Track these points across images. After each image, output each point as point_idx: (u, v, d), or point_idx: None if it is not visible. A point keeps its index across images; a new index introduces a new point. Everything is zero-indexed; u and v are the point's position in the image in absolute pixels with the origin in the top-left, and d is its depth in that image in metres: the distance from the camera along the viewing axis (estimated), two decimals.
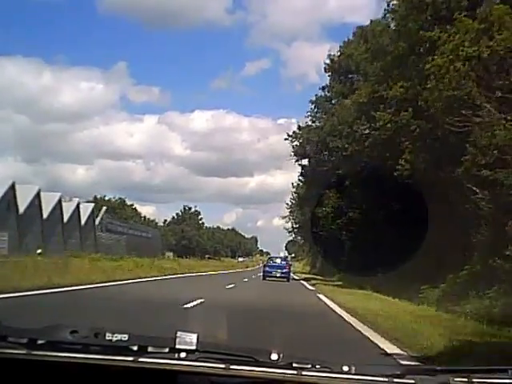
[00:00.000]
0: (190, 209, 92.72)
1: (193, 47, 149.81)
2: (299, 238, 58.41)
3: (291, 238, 59.54)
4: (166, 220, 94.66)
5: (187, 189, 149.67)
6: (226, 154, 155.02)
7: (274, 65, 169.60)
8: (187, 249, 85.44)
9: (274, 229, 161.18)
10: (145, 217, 78.90)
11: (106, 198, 67.54)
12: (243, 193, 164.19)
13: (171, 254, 64.48)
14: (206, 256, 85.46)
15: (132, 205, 73.44)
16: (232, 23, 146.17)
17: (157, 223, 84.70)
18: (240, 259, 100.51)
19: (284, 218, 52.60)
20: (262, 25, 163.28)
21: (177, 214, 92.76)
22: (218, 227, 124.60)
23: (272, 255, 43.67)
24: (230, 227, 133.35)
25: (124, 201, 71.22)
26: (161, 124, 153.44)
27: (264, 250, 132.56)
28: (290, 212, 52.76)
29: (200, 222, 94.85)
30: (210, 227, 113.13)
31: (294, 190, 48.32)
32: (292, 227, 53.58)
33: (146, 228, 62.85)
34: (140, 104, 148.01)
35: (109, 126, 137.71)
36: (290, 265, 30.28)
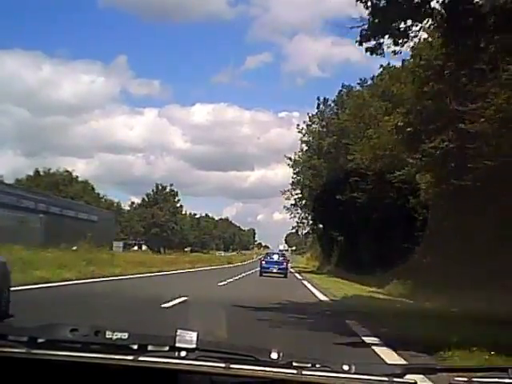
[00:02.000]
0: (164, 188, 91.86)
1: (194, 40, 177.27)
2: (304, 219, 51.67)
3: (294, 225, 53.37)
4: (133, 202, 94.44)
5: (187, 183, 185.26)
6: (226, 148, 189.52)
7: (275, 59, 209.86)
8: (159, 238, 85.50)
9: (274, 223, 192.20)
10: (103, 197, 78.54)
11: (51, 172, 67.82)
12: (244, 187, 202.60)
13: (121, 244, 60.86)
14: (188, 248, 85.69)
15: (86, 181, 73.38)
16: (233, 16, 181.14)
17: (120, 205, 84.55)
18: (220, 253, 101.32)
19: (285, 192, 46.66)
20: (263, 18, 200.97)
21: (147, 195, 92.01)
22: (207, 215, 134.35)
23: (269, 251, 50.02)
24: (223, 217, 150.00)
25: (76, 177, 71.17)
26: (161, 117, 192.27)
27: (263, 244, 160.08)
28: (295, 174, 45.56)
29: (178, 205, 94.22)
30: (194, 214, 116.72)
31: (306, 125, 41.79)
32: (295, 201, 46.72)
33: (87, 208, 56.50)
34: (140, 97, 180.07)
35: (109, 119, 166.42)
36: (288, 261, 35.98)
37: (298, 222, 49.41)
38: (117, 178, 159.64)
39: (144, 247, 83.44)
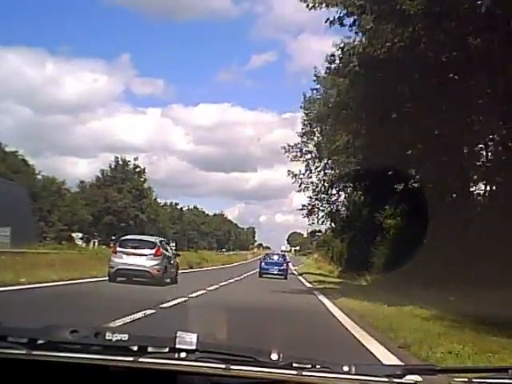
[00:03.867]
0: (125, 163, 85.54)
1: (197, 39, 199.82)
2: (321, 192, 40.58)
3: (304, 203, 45.21)
4: (82, 181, 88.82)
5: (190, 183, 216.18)
6: (229, 149, 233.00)
7: (279, 58, 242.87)
8: (115, 229, 76.14)
9: (276, 225, 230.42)
10: (40, 172, 75.29)
11: None
12: (246, 188, 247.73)
13: (8, 231, 47.63)
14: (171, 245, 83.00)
15: (15, 153, 71.80)
16: (237, 14, 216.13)
17: (62, 185, 78.52)
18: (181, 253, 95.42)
19: (290, 150, 40.14)
20: (267, 17, 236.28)
21: (102, 172, 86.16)
22: (195, 207, 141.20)
23: (270, 252, 59.59)
24: (216, 212, 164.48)
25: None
26: (164, 117, 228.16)
27: (264, 245, 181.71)
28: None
29: (145, 185, 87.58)
30: (176, 203, 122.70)
31: None
32: (307, 159, 38.67)
33: None
34: (144, 96, 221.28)
35: (112, 118, 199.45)
36: (288, 262, 43.32)
37: (310, 198, 40.22)
38: None
39: (79, 241, 72.78)
